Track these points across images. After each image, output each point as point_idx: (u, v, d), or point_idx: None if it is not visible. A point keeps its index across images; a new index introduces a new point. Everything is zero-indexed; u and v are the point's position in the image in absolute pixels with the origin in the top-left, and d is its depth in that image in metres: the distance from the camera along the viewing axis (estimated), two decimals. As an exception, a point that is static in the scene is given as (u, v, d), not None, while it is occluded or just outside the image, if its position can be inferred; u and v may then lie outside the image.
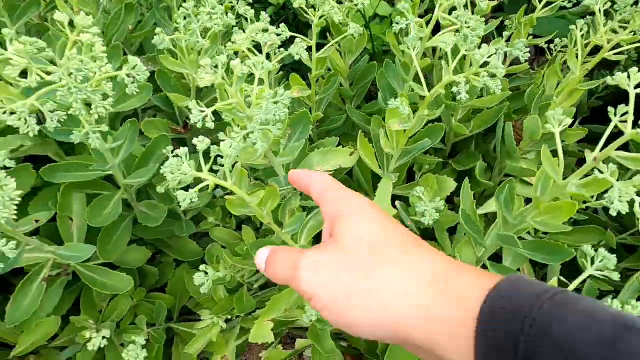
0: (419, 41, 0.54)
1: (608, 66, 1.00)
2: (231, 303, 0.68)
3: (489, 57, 0.48)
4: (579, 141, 1.12)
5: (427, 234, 0.74)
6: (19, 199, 0.40)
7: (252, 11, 0.69)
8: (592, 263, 0.42)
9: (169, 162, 0.43)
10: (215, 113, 0.85)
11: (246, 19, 0.69)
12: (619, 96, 1.01)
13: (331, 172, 0.62)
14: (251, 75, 0.48)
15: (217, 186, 0.44)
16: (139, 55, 0.89)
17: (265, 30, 0.55)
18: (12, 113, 0.36)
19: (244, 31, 0.55)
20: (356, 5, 0.67)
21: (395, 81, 0.68)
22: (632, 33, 0.58)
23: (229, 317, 0.71)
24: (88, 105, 0.42)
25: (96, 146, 0.43)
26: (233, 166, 0.46)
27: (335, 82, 0.72)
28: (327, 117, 0.79)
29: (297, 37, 0.64)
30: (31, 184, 0.64)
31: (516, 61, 0.88)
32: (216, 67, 0.43)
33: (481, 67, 0.48)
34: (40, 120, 0.73)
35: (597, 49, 0.68)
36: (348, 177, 0.74)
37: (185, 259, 0.74)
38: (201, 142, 0.42)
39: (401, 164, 0.65)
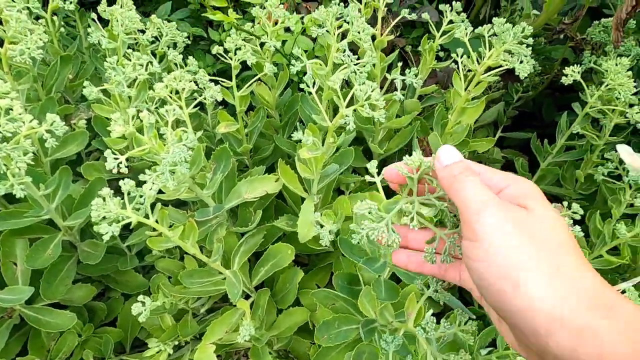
0: (322, 77, 0.62)
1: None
2: (176, 329, 0.72)
3: (372, 91, 0.55)
4: (504, 147, 1.22)
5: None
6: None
7: (180, 56, 0.76)
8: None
9: (94, 201, 0.48)
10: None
11: (176, 65, 0.75)
12: (528, 106, 1.13)
13: (256, 199, 0.68)
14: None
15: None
16: (81, 101, 0.94)
17: (182, 78, 0.61)
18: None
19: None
20: (272, 46, 0.75)
21: (312, 112, 0.75)
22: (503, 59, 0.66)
23: (177, 343, 0.75)
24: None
25: (21, 196, 0.48)
26: (154, 205, 0.52)
27: (261, 115, 0.79)
28: (259, 147, 0.86)
29: (218, 80, 0.71)
30: (-26, 234, 0.68)
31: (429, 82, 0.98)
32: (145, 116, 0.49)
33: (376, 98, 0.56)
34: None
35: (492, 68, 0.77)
36: (280, 200, 0.81)
37: (131, 292, 0.77)
38: (125, 184, 0.48)
39: (323, 186, 0.72)
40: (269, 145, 0.83)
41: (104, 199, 0.45)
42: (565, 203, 0.76)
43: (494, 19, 0.59)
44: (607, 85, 0.73)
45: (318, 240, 0.70)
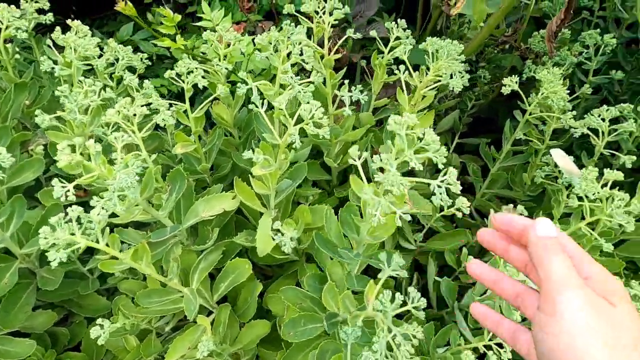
0: (265, 98, 0.64)
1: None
2: (139, 350, 0.73)
3: (316, 110, 0.58)
4: (463, 153, 1.27)
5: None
6: None
7: (136, 80, 0.77)
8: (389, 265, 0.52)
9: (42, 229, 0.49)
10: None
11: (133, 89, 0.77)
12: (485, 112, 1.18)
13: (214, 216, 0.70)
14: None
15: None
16: (39, 127, 0.94)
17: (133, 103, 0.63)
18: None
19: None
20: (225, 68, 0.77)
21: (265, 130, 0.77)
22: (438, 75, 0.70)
23: (143, 363, 0.76)
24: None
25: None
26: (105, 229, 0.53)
27: (218, 134, 0.81)
28: (219, 165, 0.87)
29: (173, 103, 0.72)
30: None
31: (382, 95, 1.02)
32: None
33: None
34: None
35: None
36: (240, 216, 0.82)
37: (94, 315, 0.78)
38: (73, 211, 0.50)
39: (281, 200, 0.74)
40: (226, 163, 0.84)
41: (52, 227, 0.46)
42: (511, 205, 0.81)
43: (428, 39, 0.63)
44: (543, 93, 0.78)
45: (281, 249, 0.72)
